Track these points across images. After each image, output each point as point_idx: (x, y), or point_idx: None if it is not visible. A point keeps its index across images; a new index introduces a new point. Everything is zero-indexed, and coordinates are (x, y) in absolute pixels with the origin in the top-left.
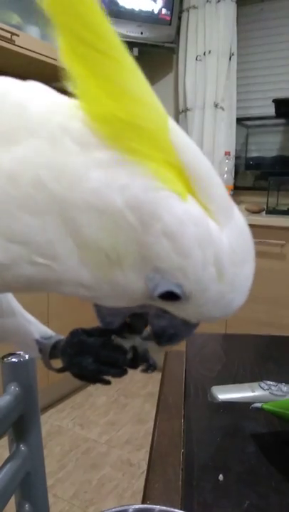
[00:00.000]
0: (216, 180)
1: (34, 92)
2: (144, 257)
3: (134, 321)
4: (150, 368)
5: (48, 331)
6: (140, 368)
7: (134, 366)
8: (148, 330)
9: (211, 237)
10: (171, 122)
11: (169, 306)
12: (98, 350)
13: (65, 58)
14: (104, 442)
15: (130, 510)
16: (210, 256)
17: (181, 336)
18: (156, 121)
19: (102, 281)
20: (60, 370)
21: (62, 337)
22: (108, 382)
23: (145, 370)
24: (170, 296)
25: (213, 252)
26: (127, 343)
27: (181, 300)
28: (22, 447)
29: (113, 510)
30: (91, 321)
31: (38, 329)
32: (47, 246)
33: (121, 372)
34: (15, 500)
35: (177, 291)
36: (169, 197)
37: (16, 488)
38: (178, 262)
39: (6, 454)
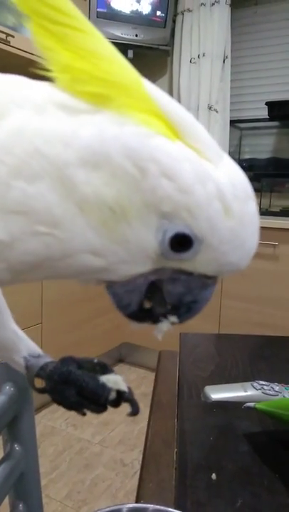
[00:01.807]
0: (199, 125)
1: (16, 78)
2: (147, 204)
3: (153, 304)
4: (134, 411)
5: (36, 349)
6: (127, 411)
7: (115, 405)
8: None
9: (208, 172)
10: (146, 81)
11: (185, 262)
12: (83, 384)
13: (36, 38)
14: (97, 442)
15: (124, 509)
16: (212, 190)
17: (200, 303)
18: (129, 76)
19: (111, 241)
20: (41, 391)
21: (50, 359)
22: (84, 414)
23: (130, 414)
24: (182, 243)
25: (213, 186)
26: (112, 383)
27: (194, 245)
28: (16, 447)
29: (107, 509)
30: (85, 322)
31: (28, 347)
32: (46, 212)
33: (99, 410)
34: (9, 500)
35: (187, 231)
36: (159, 139)
37: (10, 488)
38: (181, 200)
39: (0, 456)
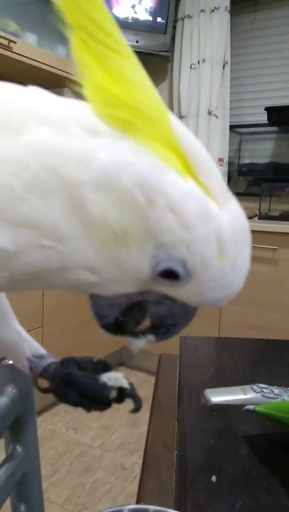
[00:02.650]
0: (213, 165)
1: (38, 93)
2: (149, 232)
3: (127, 319)
4: (136, 407)
5: (39, 350)
6: (129, 408)
7: (118, 401)
8: (145, 324)
9: (212, 213)
10: (170, 112)
11: (171, 288)
12: (83, 386)
13: (76, 52)
14: (97, 446)
15: (125, 510)
16: (212, 231)
17: (179, 326)
18: (157, 108)
19: (108, 260)
20: (45, 391)
21: (53, 360)
22: (89, 411)
23: (133, 411)
24: (172, 274)
25: (214, 227)
26: (113, 381)
27: (183, 278)
28: (18, 449)
29: (108, 510)
30: (85, 326)
31: (31, 347)
32: (53, 227)
33: (103, 408)
34: (10, 501)
35: (179, 268)
36: (172, 174)
37: (12, 489)
38: (182, 235)
39: (2, 457)
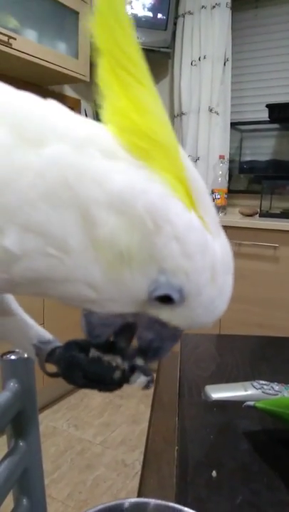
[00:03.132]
0: (210, 199)
1: (56, 107)
2: (153, 257)
3: (117, 339)
4: (148, 384)
5: (46, 335)
6: (140, 383)
7: (127, 381)
8: (133, 347)
9: (209, 245)
10: (180, 147)
11: (163, 311)
12: (86, 368)
13: (102, 75)
14: (98, 443)
15: (126, 503)
16: (208, 262)
17: (166, 350)
18: (171, 140)
19: (110, 280)
20: (54, 375)
21: (59, 344)
22: (100, 390)
23: (145, 387)
24: (167, 298)
25: (210, 258)
26: (117, 361)
27: (177, 303)
28: (20, 443)
29: (109, 504)
30: None
31: (37, 333)
32: (62, 239)
33: (110, 389)
34: (13, 495)
35: (174, 295)
36: (179, 205)
37: (14, 483)
38: (183, 264)
39: (4, 450)
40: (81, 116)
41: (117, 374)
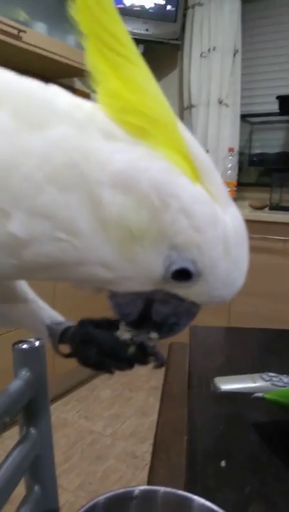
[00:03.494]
0: (216, 171)
1: (57, 91)
2: (163, 233)
3: (143, 313)
4: (158, 363)
5: (58, 317)
6: (150, 363)
7: (140, 360)
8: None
9: (219, 217)
10: (179, 122)
11: (180, 288)
12: (101, 342)
13: (91, 59)
14: (108, 435)
15: (136, 491)
16: (219, 233)
17: (181, 325)
18: (168, 115)
19: (124, 259)
20: (68, 356)
21: (72, 324)
22: (111, 372)
23: (155, 366)
24: (183, 274)
25: (221, 230)
26: (130, 336)
27: (193, 278)
28: (32, 431)
29: (119, 491)
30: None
31: (49, 315)
32: (70, 222)
33: (124, 366)
34: (24, 482)
35: (191, 268)
36: (183, 178)
37: (26, 470)
38: (194, 238)
39: (16, 438)
40: (80, 98)
41: (132, 349)
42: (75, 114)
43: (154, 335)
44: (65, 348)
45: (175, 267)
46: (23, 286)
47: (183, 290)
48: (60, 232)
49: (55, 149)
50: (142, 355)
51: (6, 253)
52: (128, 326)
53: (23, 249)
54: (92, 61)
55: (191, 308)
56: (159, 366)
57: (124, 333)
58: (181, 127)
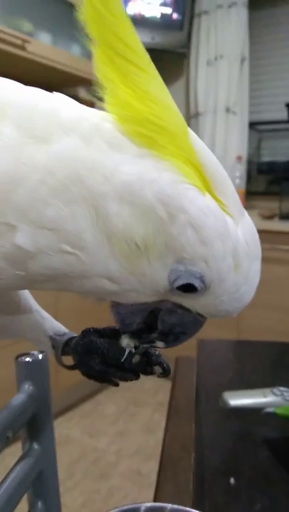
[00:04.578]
0: (229, 180)
1: (62, 100)
2: (169, 247)
3: (150, 322)
4: (164, 373)
5: (61, 328)
6: (155, 372)
7: (145, 370)
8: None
9: (229, 230)
10: (190, 130)
11: (187, 300)
12: (104, 351)
13: (99, 67)
14: (113, 452)
15: (142, 507)
16: (229, 247)
17: (188, 335)
18: (178, 124)
19: (129, 272)
20: (70, 368)
21: (75, 334)
22: (115, 384)
23: (160, 375)
24: (189, 287)
25: (231, 243)
26: (134, 345)
27: (200, 292)
28: (35, 446)
29: (126, 507)
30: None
31: (52, 326)
32: (76, 235)
33: (128, 376)
34: (27, 498)
35: (196, 284)
36: (192, 190)
37: (29, 486)
38: (201, 251)
39: (19, 453)
40: (86, 107)
41: (136, 358)
42: (80, 125)
43: (160, 344)
44: (68, 360)
45: (181, 281)
46: (27, 296)
47: (189, 301)
48: (65, 245)
49: (59, 163)
50: (147, 364)
51: (13, 265)
52: (131, 336)
53: (29, 261)
54: (101, 68)
55: (198, 318)
56: (164, 375)
57: (128, 342)
58: (192, 136)
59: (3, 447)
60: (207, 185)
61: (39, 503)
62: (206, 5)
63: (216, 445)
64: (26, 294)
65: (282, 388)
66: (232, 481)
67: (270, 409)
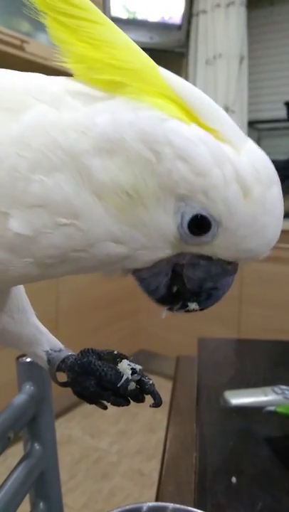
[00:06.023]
0: (221, 111)
1: (32, 75)
2: (163, 187)
3: (179, 288)
4: (155, 403)
5: (58, 344)
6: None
7: (137, 398)
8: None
9: (226, 155)
10: (161, 68)
11: (204, 247)
12: (102, 374)
13: (53, 34)
14: (114, 452)
15: (144, 507)
16: (229, 172)
17: (219, 289)
18: (142, 63)
19: (130, 226)
20: (64, 385)
21: (71, 352)
22: (105, 407)
23: (152, 405)
24: (200, 225)
25: (232, 168)
26: (131, 372)
27: (212, 228)
28: (37, 446)
29: (128, 507)
30: (101, 330)
31: (49, 341)
32: (66, 204)
33: (120, 402)
34: (29, 498)
35: (204, 213)
36: (173, 122)
37: (30, 487)
38: (197, 183)
39: (21, 454)
40: (52, 77)
41: (132, 386)
42: (48, 90)
43: (193, 306)
44: (62, 376)
45: (188, 217)
46: (26, 310)
47: (207, 248)
48: (59, 217)
49: (32, 132)
50: (140, 391)
51: (18, 253)
52: (162, 305)
53: (32, 246)
54: (55, 34)
55: (226, 267)
56: (155, 406)
57: (126, 368)
58: (165, 72)
59: (5, 448)
60: (192, 116)
61: (41, 504)
62: (204, 4)
63: (217, 444)
64: (26, 307)
65: (283, 387)
66: (234, 479)
67: (271, 408)
